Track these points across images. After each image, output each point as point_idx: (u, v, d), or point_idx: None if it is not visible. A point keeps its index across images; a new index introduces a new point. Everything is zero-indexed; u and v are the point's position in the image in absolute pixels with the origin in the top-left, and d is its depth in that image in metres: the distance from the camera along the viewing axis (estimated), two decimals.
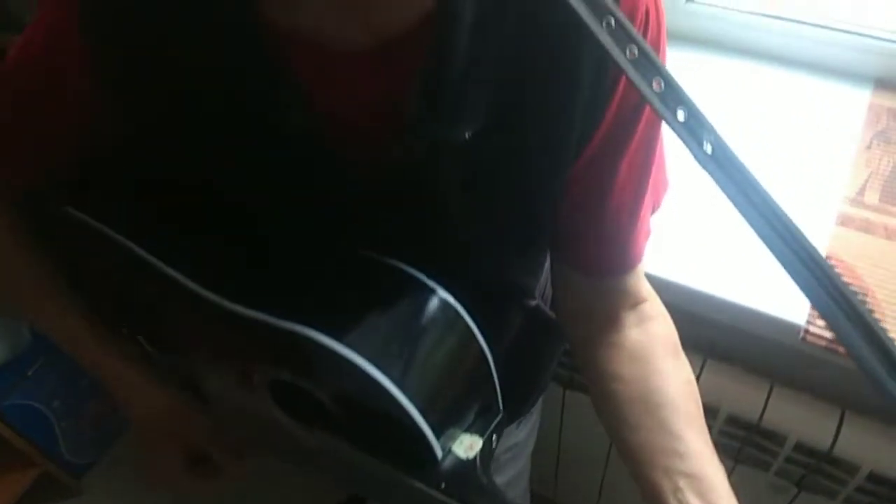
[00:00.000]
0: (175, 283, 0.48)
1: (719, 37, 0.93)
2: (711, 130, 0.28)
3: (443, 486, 0.44)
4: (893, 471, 0.76)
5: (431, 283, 0.43)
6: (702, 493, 0.44)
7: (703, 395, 0.52)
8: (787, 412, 0.78)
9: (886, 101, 0.86)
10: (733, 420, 0.81)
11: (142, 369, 0.57)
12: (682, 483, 0.45)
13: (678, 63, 0.92)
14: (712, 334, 0.79)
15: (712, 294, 0.70)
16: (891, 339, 0.26)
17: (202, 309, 0.47)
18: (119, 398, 0.57)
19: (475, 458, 0.45)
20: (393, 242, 0.45)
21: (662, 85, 0.28)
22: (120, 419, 1.25)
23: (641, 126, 0.44)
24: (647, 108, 0.42)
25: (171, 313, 0.54)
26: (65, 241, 0.55)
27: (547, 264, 0.58)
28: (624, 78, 0.36)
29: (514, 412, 0.68)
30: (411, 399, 0.40)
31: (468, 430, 0.46)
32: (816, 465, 0.81)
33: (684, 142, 0.28)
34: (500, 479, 0.74)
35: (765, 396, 0.78)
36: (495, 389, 0.47)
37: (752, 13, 0.91)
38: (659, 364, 0.51)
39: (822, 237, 0.73)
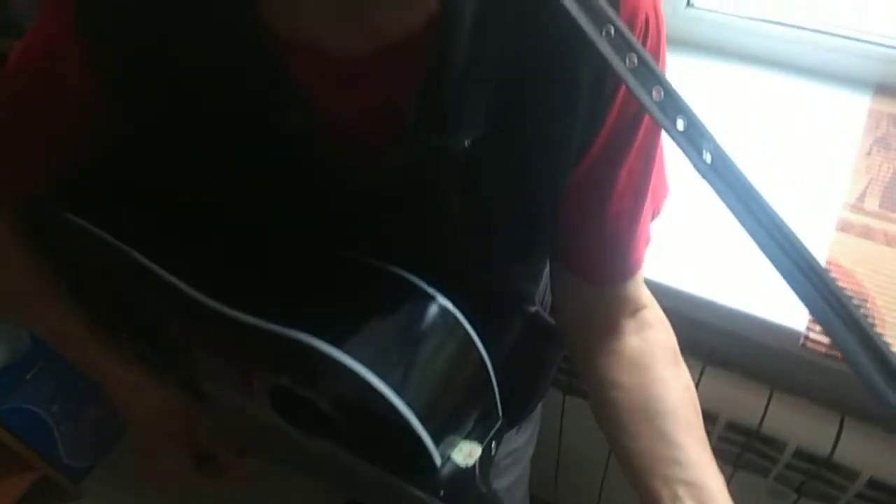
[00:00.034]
0: (174, 289, 0.48)
1: (720, 42, 0.93)
2: (711, 140, 0.28)
3: (441, 493, 0.44)
4: (893, 477, 0.76)
5: (431, 290, 0.43)
6: (701, 502, 0.44)
7: (702, 401, 0.51)
8: (786, 418, 0.78)
9: (886, 106, 0.86)
10: (733, 426, 0.81)
11: (141, 370, 0.56)
12: (681, 491, 0.45)
13: (678, 68, 0.92)
14: (712, 340, 0.79)
15: (712, 300, 0.70)
16: (889, 349, 0.26)
17: (202, 315, 0.47)
18: (119, 401, 0.57)
19: (474, 465, 0.45)
20: (392, 248, 0.45)
21: (662, 94, 0.28)
22: (119, 423, 1.25)
23: (641, 132, 0.44)
24: (647, 115, 0.42)
25: (171, 319, 0.54)
26: (64, 246, 0.55)
27: (546, 270, 0.58)
28: (624, 85, 0.36)
29: (514, 418, 0.68)
30: (410, 406, 0.40)
31: (467, 437, 0.46)
32: (816, 472, 0.80)
33: (684, 151, 0.28)
34: (499, 485, 0.74)
35: (764, 402, 0.78)
36: (495, 396, 0.47)
37: (752, 19, 0.91)
38: (658, 372, 0.50)
39: (822, 243, 0.73)
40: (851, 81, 0.89)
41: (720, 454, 0.83)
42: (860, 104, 0.87)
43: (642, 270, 0.53)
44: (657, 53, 0.42)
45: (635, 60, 0.28)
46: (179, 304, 0.48)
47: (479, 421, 0.47)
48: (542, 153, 0.42)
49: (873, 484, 0.77)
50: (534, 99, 0.40)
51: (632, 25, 0.38)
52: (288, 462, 0.62)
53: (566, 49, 0.38)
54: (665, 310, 0.55)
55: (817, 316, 0.27)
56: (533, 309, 0.59)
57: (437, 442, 0.42)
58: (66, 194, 0.52)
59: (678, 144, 0.28)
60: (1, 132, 0.50)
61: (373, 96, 0.40)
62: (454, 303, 0.43)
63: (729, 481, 0.89)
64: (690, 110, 0.28)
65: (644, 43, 0.40)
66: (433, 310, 0.43)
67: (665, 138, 0.45)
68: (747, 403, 0.79)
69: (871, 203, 0.77)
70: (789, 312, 0.68)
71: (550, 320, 0.60)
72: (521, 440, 0.75)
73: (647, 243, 0.52)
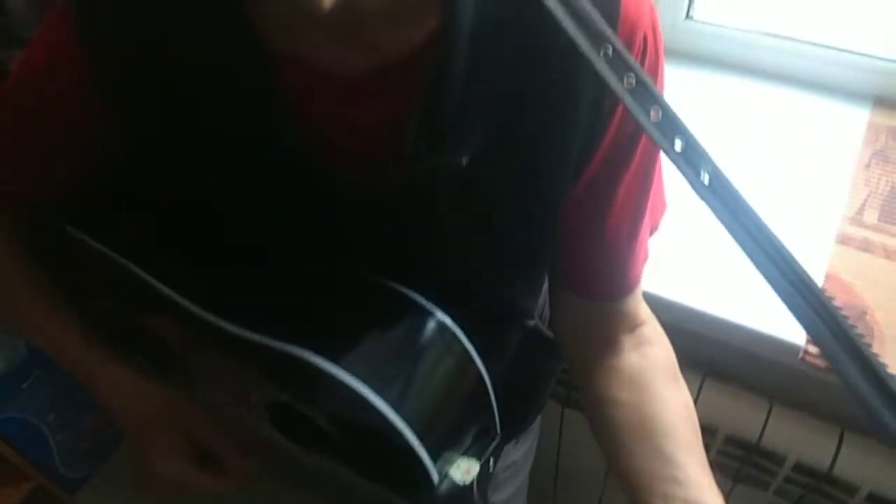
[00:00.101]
0: (173, 303, 0.48)
1: (719, 55, 0.93)
2: (709, 161, 0.28)
3: None
4: (893, 491, 0.75)
5: (429, 306, 0.43)
6: None
7: (702, 415, 0.51)
8: (786, 432, 0.78)
9: (885, 119, 0.86)
10: (732, 439, 0.81)
11: (139, 372, 0.56)
12: None
13: (678, 81, 0.92)
14: (711, 354, 0.79)
15: (712, 313, 0.70)
16: (889, 374, 0.26)
17: (200, 329, 0.47)
18: (115, 408, 0.56)
19: (472, 482, 0.45)
20: (391, 264, 0.45)
21: (660, 114, 0.28)
22: (115, 433, 1.24)
23: (640, 149, 0.44)
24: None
25: (169, 332, 0.54)
26: (64, 258, 0.55)
27: (545, 285, 0.57)
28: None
29: (512, 431, 0.68)
30: (408, 422, 0.40)
31: (465, 453, 0.46)
32: (816, 485, 0.80)
33: (681, 172, 0.28)
34: (497, 498, 0.73)
35: (764, 416, 0.78)
36: (493, 412, 0.47)
37: (752, 31, 0.91)
38: (657, 389, 0.50)
39: (822, 256, 0.73)
40: (850, 94, 0.89)
41: (719, 468, 0.82)
42: (859, 117, 0.87)
43: (641, 286, 0.52)
44: (655, 73, 0.41)
45: (633, 81, 0.28)
46: (177, 318, 0.48)
47: (478, 437, 0.47)
48: (540, 170, 0.42)
49: (873, 498, 0.77)
50: (532, 116, 0.40)
51: (630, 45, 0.38)
52: (286, 477, 0.61)
53: (564, 66, 0.38)
54: (664, 323, 0.55)
55: (816, 339, 0.27)
56: (532, 323, 0.58)
57: (434, 458, 0.42)
58: (66, 206, 0.52)
59: (676, 165, 0.28)
60: (2, 141, 0.50)
61: (371, 114, 0.40)
62: (453, 318, 0.43)
63: (728, 495, 0.89)
64: (688, 131, 0.28)
65: (642, 62, 0.40)
66: (431, 325, 0.43)
67: (663, 156, 0.45)
68: (747, 417, 0.79)
69: (871, 216, 0.77)
70: (788, 326, 0.67)
71: (549, 334, 0.60)
72: (520, 453, 0.75)
73: (645, 259, 0.51)
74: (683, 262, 0.73)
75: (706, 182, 0.28)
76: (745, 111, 0.88)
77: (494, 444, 0.47)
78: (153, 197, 0.49)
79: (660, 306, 0.55)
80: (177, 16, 0.39)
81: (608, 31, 0.28)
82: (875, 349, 0.68)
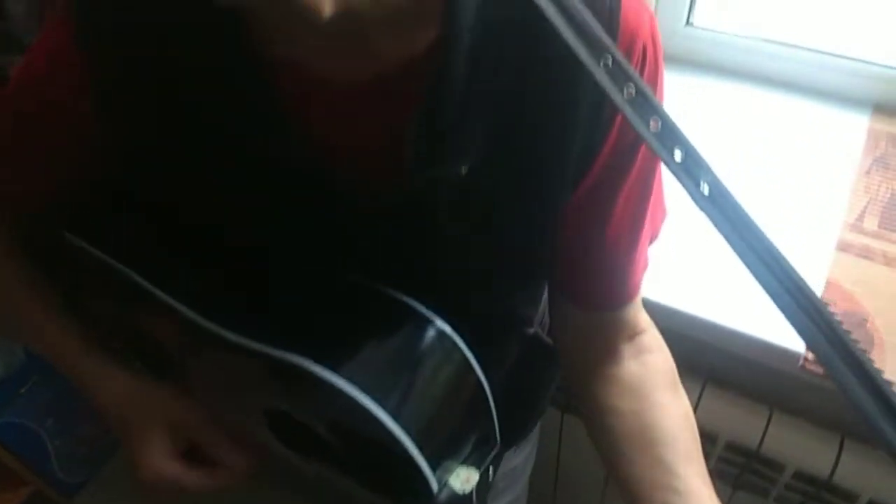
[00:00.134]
0: (172, 310, 0.47)
1: (719, 61, 0.94)
2: (708, 171, 0.28)
3: None
4: (893, 500, 0.75)
5: (428, 314, 0.43)
6: None
7: (702, 422, 0.51)
8: (786, 439, 0.78)
9: (885, 126, 0.86)
10: (732, 446, 0.81)
11: (136, 376, 0.56)
12: None
13: (678, 87, 0.92)
14: (712, 361, 0.79)
15: (712, 321, 0.70)
16: (890, 388, 0.25)
17: (199, 336, 0.47)
18: (111, 414, 0.56)
19: (472, 491, 0.44)
20: (391, 272, 0.44)
21: (660, 125, 0.28)
22: (114, 438, 1.24)
23: (639, 158, 0.44)
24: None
25: (168, 339, 0.53)
26: (62, 262, 0.55)
27: (545, 293, 0.57)
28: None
29: (512, 438, 0.68)
30: (407, 431, 0.40)
31: (465, 462, 0.46)
32: (816, 493, 0.80)
33: (681, 182, 0.28)
34: None
35: (764, 423, 0.78)
36: (493, 420, 0.47)
37: (751, 38, 0.91)
38: (657, 397, 0.50)
39: (822, 263, 0.73)
40: (850, 101, 0.89)
41: (719, 475, 0.82)
42: (859, 124, 0.87)
43: (640, 295, 0.52)
44: (655, 83, 0.41)
45: (633, 91, 0.28)
46: (176, 324, 0.48)
47: (477, 446, 0.46)
48: (539, 179, 0.42)
49: None
50: (532, 125, 0.40)
51: (629, 55, 0.38)
52: (286, 485, 0.61)
53: (564, 75, 0.38)
54: (664, 330, 0.55)
55: (815, 350, 0.27)
56: (532, 331, 0.58)
57: (433, 467, 0.42)
58: (64, 212, 0.52)
59: (675, 175, 0.28)
60: (2, 147, 0.50)
61: (371, 121, 0.40)
62: (453, 326, 0.43)
63: (728, 502, 0.89)
64: (688, 141, 0.28)
65: (642, 72, 0.40)
66: (431, 333, 0.43)
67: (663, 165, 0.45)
68: (747, 424, 0.79)
69: (871, 223, 0.77)
70: (789, 333, 0.67)
71: (549, 341, 0.60)
72: (519, 459, 0.75)
73: (645, 268, 0.51)
74: (684, 269, 0.73)
75: (706, 193, 0.28)
76: (744, 118, 0.88)
77: (494, 452, 0.47)
78: (153, 199, 0.49)
79: (660, 313, 0.55)
80: (175, 19, 0.39)
81: (608, 42, 0.28)
82: (875, 356, 0.68)
